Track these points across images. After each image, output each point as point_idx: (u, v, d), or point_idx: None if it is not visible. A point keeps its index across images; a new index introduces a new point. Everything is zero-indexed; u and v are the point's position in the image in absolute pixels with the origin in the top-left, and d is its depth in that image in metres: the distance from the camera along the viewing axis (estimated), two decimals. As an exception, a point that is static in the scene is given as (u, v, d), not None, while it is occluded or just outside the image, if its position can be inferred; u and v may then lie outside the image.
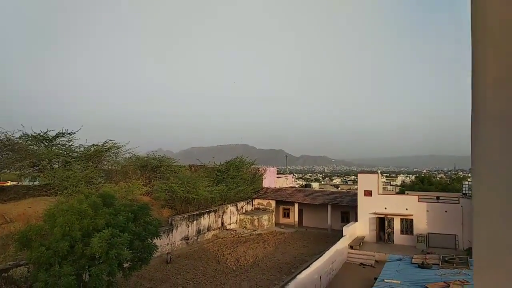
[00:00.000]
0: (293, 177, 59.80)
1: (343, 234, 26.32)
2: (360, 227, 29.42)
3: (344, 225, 28.53)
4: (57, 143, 27.75)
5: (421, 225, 27.69)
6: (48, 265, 12.37)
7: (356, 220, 29.87)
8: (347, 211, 33.93)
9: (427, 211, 27.66)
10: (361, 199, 29.97)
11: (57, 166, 27.10)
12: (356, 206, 30.23)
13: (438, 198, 28.44)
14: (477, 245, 0.92)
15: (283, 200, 37.37)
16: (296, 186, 57.83)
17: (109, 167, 31.62)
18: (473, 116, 0.88)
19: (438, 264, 21.42)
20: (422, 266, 21.09)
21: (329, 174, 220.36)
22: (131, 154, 33.70)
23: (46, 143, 27.14)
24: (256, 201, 38.54)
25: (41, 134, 26.78)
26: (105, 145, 29.94)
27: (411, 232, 27.97)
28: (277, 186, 42.31)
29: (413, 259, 22.48)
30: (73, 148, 28.51)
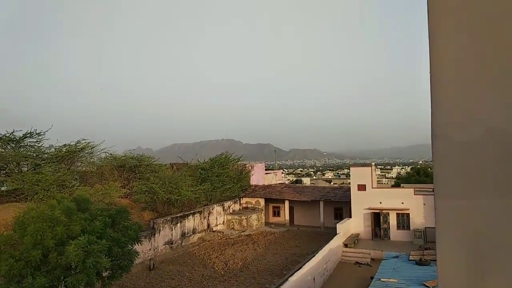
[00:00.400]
0: (282, 173, 60.08)
1: (337, 232, 26.61)
2: (355, 224, 29.75)
3: (338, 222, 28.83)
4: (25, 144, 27.25)
5: (418, 220, 28.11)
6: (20, 277, 12.26)
7: (350, 217, 30.20)
8: (341, 207, 34.24)
9: (424, 204, 28.06)
10: (354, 194, 30.26)
11: (26, 169, 26.63)
12: (350, 201, 30.52)
13: (435, 190, 28.87)
14: (440, 255, 0.95)
15: (272, 197, 37.53)
16: (286, 182, 58.10)
17: (84, 168, 31.23)
18: (433, 118, 0.91)
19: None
20: (419, 263, 21.53)
21: (320, 168, 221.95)
22: (107, 154, 33.38)
23: (13, 145, 26.65)
24: (244, 200, 38.63)
25: (7, 135, 26.26)
26: (78, 144, 29.54)
27: (408, 227, 28.39)
28: (265, 183, 42.42)
29: (410, 256, 22.93)
30: (43, 149, 28.05)
